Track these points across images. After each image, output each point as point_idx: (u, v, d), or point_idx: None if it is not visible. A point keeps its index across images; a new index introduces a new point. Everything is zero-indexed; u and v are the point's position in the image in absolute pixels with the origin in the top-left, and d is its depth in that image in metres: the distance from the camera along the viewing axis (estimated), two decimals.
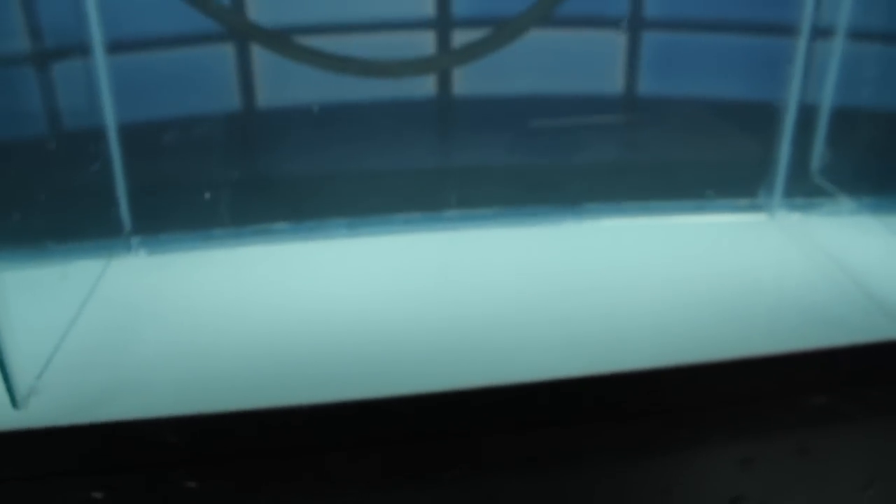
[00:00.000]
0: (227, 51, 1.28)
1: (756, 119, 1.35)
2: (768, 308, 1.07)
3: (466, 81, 1.35)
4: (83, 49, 1.16)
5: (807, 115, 1.30)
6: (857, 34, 1.27)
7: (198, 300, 1.10)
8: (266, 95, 1.33)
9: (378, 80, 1.33)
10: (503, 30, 1.29)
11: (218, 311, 1.08)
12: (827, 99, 1.30)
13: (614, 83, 1.37)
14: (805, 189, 1.32)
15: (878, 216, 1.29)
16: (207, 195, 1.21)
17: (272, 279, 1.15)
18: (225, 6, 1.22)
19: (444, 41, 1.33)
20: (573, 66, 1.33)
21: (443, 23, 1.32)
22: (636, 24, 1.34)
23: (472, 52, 1.33)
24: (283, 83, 1.31)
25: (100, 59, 1.16)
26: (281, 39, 1.32)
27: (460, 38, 1.32)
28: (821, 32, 1.27)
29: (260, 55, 1.30)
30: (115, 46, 1.18)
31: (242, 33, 1.28)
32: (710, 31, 1.34)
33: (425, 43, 1.32)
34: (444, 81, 1.36)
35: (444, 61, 1.37)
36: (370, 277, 1.14)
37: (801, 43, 1.27)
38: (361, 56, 1.29)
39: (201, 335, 1.03)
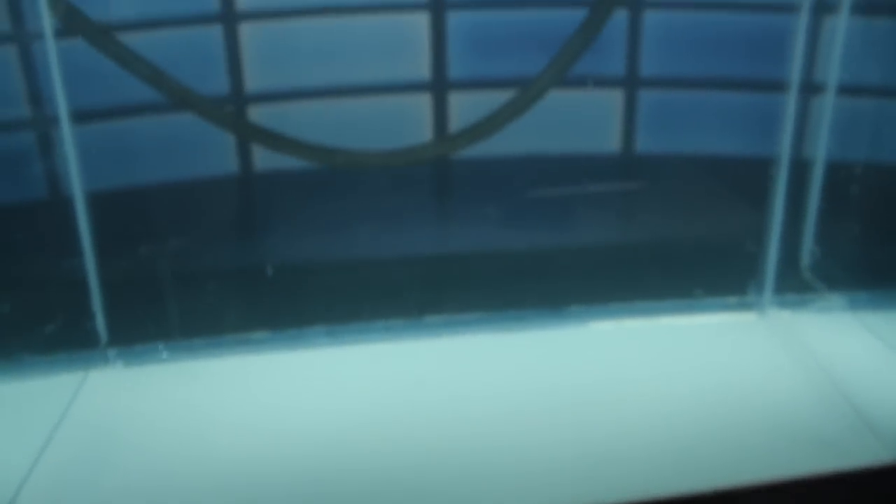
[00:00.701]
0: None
1: (747, 199, 1.34)
2: (755, 429, 1.04)
3: None
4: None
5: (796, 208, 1.29)
6: (848, 90, 1.26)
7: (176, 421, 1.08)
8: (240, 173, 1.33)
9: (368, 139, 1.33)
10: (494, 117, 1.28)
11: (196, 434, 1.05)
12: (815, 193, 1.28)
13: (610, 143, 1.37)
14: (795, 285, 1.30)
15: (870, 313, 1.27)
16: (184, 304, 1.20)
17: (251, 395, 1.12)
18: (203, 98, 1.21)
19: (439, 104, 1.32)
20: (567, 125, 1.32)
21: (438, 86, 1.31)
22: (632, 83, 1.34)
23: (463, 140, 1.32)
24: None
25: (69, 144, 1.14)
26: (263, 132, 1.31)
27: (455, 100, 1.31)
28: (812, 88, 1.25)
29: None
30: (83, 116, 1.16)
31: (226, 126, 1.28)
32: (706, 89, 1.33)
33: (422, 105, 1.31)
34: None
35: (435, 149, 1.36)
36: (351, 393, 1.12)
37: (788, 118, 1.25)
38: (348, 146, 1.28)
39: (180, 463, 1.00)
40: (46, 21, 1.09)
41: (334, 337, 1.22)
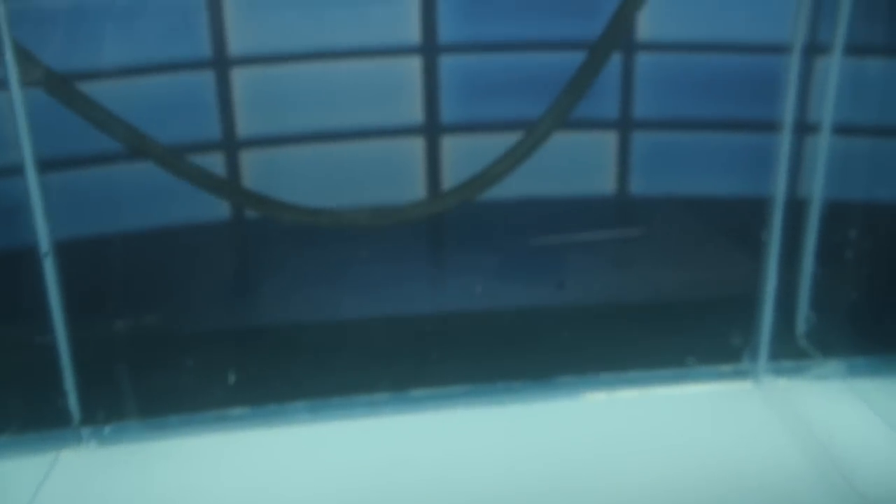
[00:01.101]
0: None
1: (742, 249, 1.32)
2: None
3: (449, 184, 1.31)
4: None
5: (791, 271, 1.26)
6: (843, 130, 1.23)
7: None
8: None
9: (360, 183, 1.30)
10: (484, 174, 1.25)
11: None
12: (809, 258, 1.26)
13: (604, 186, 1.36)
14: (791, 351, 1.27)
15: (867, 380, 1.24)
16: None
17: (230, 476, 1.08)
18: (184, 159, 1.18)
19: (432, 148, 1.30)
20: (561, 168, 1.31)
21: (430, 130, 1.30)
22: (626, 125, 1.33)
23: (453, 198, 1.29)
24: None
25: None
26: (247, 193, 1.29)
27: (448, 144, 1.30)
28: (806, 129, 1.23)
29: None
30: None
31: (209, 188, 1.24)
32: (701, 130, 1.32)
33: (414, 149, 1.30)
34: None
35: (424, 209, 1.33)
36: (334, 473, 1.08)
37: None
38: (340, 191, 1.28)
39: None
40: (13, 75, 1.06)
41: (316, 413, 1.17)
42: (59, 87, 1.12)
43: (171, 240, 1.28)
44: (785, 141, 1.20)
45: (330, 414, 1.18)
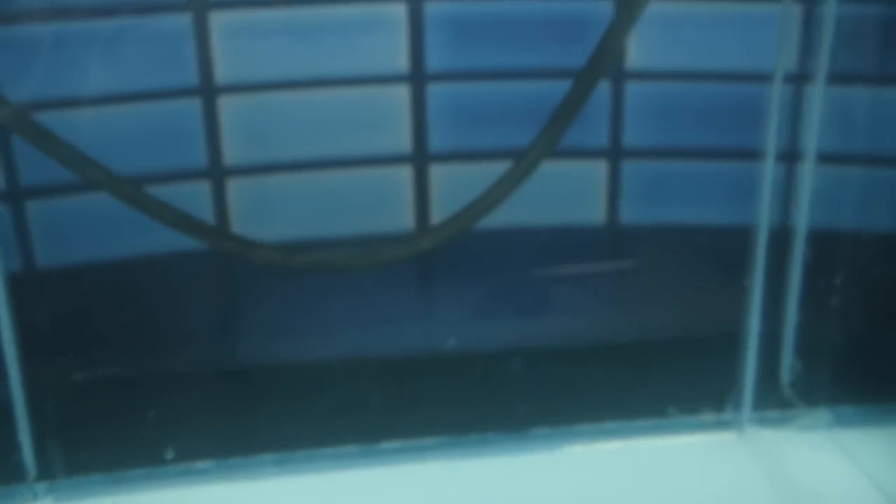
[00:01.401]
0: None
1: (732, 284, 1.28)
2: None
3: (438, 212, 1.30)
4: None
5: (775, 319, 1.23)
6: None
7: None
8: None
9: (348, 213, 1.28)
10: (461, 215, 1.21)
11: None
12: (793, 306, 1.22)
13: (595, 215, 1.34)
14: (775, 401, 1.23)
15: (854, 430, 1.20)
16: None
17: None
18: (158, 201, 1.14)
19: (420, 177, 1.29)
20: (551, 197, 1.29)
21: (419, 158, 1.28)
22: (616, 153, 1.31)
23: (432, 238, 1.26)
24: None
25: None
26: (222, 233, 1.25)
27: (437, 172, 1.28)
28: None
29: None
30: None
31: (183, 229, 1.20)
32: (691, 159, 1.31)
33: (403, 178, 1.28)
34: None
35: (403, 249, 1.30)
36: None
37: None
38: (328, 220, 1.27)
39: None
40: None
41: (283, 466, 1.14)
42: (27, 126, 1.08)
43: (139, 272, 1.26)
44: (767, 175, 1.18)
45: (297, 467, 1.14)
